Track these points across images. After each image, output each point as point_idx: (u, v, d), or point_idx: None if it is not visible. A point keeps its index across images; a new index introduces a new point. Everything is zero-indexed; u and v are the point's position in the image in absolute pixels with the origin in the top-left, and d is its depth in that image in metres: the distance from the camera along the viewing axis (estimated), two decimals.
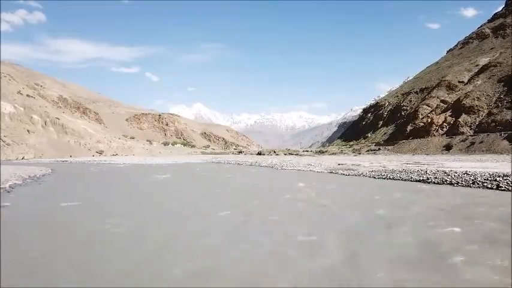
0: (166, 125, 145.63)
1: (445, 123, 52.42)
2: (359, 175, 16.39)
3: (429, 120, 55.61)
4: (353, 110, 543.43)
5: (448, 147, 46.25)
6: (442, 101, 59.64)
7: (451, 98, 58.92)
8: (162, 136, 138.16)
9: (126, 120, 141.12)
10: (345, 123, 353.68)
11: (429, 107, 62.59)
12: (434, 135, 52.19)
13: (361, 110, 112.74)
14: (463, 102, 52.17)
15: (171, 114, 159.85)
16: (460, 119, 50.27)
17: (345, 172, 17.95)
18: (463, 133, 48.15)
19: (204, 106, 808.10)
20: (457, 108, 52.98)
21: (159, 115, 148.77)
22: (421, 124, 58.27)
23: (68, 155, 56.53)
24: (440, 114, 56.07)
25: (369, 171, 17.18)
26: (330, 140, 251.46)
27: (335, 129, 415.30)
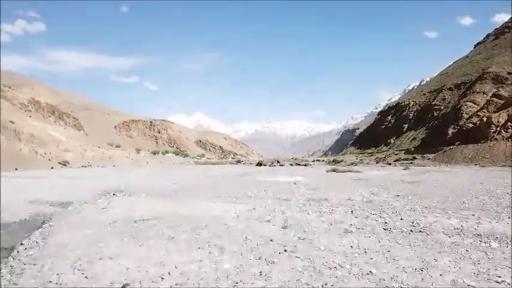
0: (158, 132, 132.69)
1: (509, 123, 39.49)
2: None
3: (484, 119, 42.71)
4: (354, 118, 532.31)
5: None
6: (495, 96, 46.95)
7: (507, 91, 46.27)
8: (154, 144, 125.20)
9: (115, 127, 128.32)
10: (348, 130, 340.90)
11: (475, 104, 49.99)
12: (496, 138, 39.18)
13: (377, 114, 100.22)
14: None
15: (164, 120, 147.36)
16: None
17: None
18: None
19: (204, 115, 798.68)
20: None
21: (150, 122, 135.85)
22: (470, 125, 45.47)
23: (13, 167, 43.30)
24: (497, 112, 43.25)
25: None
26: (334, 148, 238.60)
27: (336, 137, 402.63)
